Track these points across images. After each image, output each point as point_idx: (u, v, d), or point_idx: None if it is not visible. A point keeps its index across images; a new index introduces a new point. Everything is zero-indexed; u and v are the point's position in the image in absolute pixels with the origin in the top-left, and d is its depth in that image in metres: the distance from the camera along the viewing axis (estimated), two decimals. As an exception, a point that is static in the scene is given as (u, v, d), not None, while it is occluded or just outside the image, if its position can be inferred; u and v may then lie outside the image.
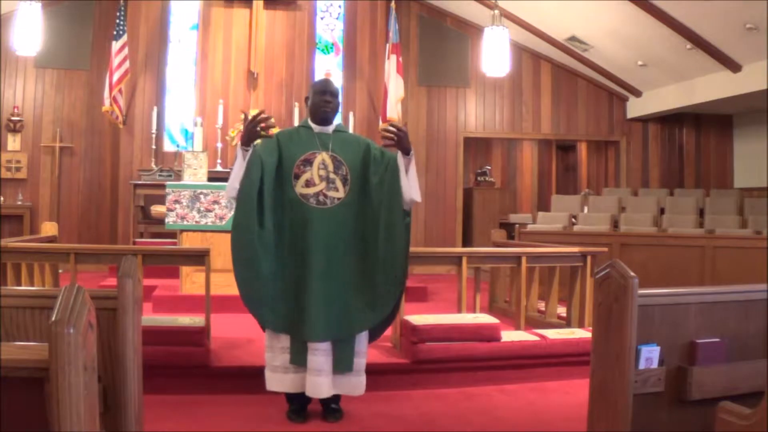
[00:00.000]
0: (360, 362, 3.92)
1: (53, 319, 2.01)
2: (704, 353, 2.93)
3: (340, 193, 3.89)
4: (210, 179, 8.25)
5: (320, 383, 3.78)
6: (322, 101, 3.96)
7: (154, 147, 9.72)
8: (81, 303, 2.08)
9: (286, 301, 3.80)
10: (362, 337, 3.93)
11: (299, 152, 3.91)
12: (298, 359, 3.80)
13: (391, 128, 3.86)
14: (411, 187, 3.86)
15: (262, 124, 3.77)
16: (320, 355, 3.78)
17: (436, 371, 4.74)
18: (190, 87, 10.10)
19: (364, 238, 3.90)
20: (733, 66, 8.87)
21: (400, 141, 3.83)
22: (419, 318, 4.97)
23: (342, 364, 3.82)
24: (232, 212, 6.66)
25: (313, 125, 4.02)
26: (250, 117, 3.83)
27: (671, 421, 2.91)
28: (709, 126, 11.59)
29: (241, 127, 9.41)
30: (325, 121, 4.00)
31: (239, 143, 3.80)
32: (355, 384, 3.91)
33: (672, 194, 10.54)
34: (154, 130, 9.68)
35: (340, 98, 10.22)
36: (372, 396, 4.28)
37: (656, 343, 2.85)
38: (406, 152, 3.85)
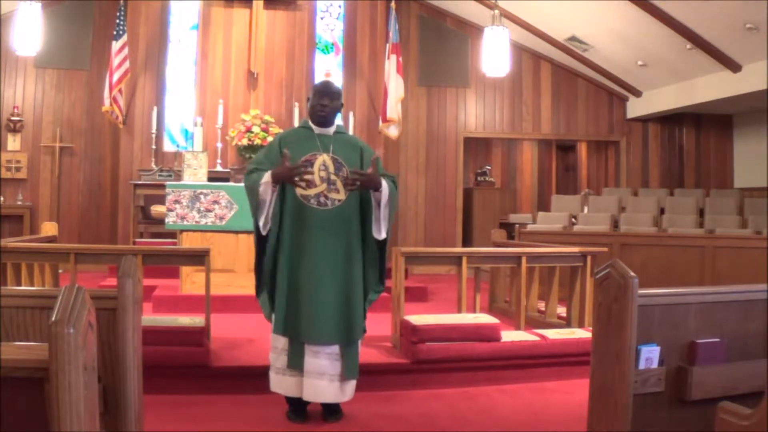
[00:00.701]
0: None
1: (53, 319, 2.01)
2: (704, 353, 2.93)
3: (341, 195, 3.88)
4: (210, 179, 8.26)
5: (322, 387, 3.78)
6: (318, 104, 3.95)
7: (154, 147, 9.72)
8: (81, 303, 2.08)
9: (288, 302, 3.81)
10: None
11: (300, 153, 3.90)
12: (295, 362, 3.79)
13: (351, 177, 3.79)
14: (380, 224, 3.87)
15: (301, 176, 3.75)
16: (323, 358, 3.78)
17: (436, 371, 4.74)
18: (190, 87, 10.09)
19: (360, 245, 3.91)
20: (733, 66, 8.86)
21: (365, 185, 3.79)
22: (419, 318, 4.97)
23: (348, 369, 3.83)
24: (232, 212, 6.72)
25: (313, 126, 4.02)
26: (290, 161, 3.78)
27: (671, 421, 2.92)
28: (709, 126, 11.59)
29: (242, 127, 9.46)
30: (323, 123, 4.00)
31: (270, 179, 3.76)
32: (353, 388, 3.93)
33: (672, 194, 10.54)
34: (154, 130, 9.68)
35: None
36: (372, 396, 4.29)
37: (656, 343, 2.86)
38: (376, 189, 3.83)
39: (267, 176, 3.78)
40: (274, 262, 3.86)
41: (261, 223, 3.82)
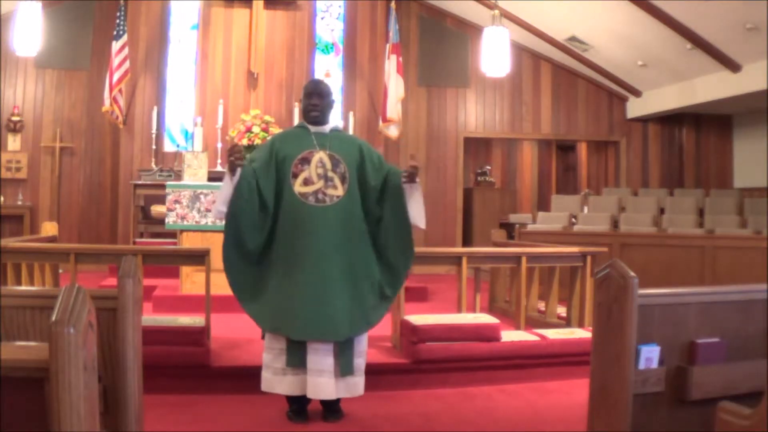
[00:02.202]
0: (359, 362, 3.93)
1: (53, 319, 2.01)
2: (704, 353, 2.93)
3: (339, 191, 3.89)
4: (210, 179, 8.25)
5: (323, 384, 3.77)
6: (309, 105, 3.99)
7: (154, 147, 9.72)
8: (81, 303, 2.08)
9: (286, 300, 3.80)
10: (362, 338, 3.94)
11: (296, 151, 3.92)
12: (295, 360, 3.78)
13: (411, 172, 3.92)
14: (417, 213, 3.93)
15: (237, 155, 3.77)
16: (322, 355, 3.77)
17: (436, 371, 4.74)
18: (190, 87, 10.09)
19: (364, 239, 3.92)
20: (733, 66, 8.86)
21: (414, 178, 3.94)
22: (419, 318, 4.97)
23: (344, 366, 3.83)
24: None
25: (308, 126, 4.03)
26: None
27: (671, 421, 2.91)
28: (709, 126, 11.59)
29: (242, 127, 9.46)
30: (317, 122, 4.01)
31: (227, 169, 3.82)
32: (355, 385, 3.91)
33: (672, 194, 10.53)
34: (154, 130, 9.68)
35: (340, 98, 10.28)
36: (372, 396, 4.28)
37: (656, 343, 2.85)
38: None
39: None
40: (259, 263, 3.86)
41: (223, 208, 3.81)
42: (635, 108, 11.37)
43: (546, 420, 4.10)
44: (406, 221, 3.95)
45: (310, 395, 3.81)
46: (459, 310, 5.53)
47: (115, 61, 9.20)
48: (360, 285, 3.86)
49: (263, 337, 3.97)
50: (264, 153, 3.94)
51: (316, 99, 3.97)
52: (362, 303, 3.86)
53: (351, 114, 10.18)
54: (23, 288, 4.80)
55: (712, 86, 9.42)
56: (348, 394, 3.89)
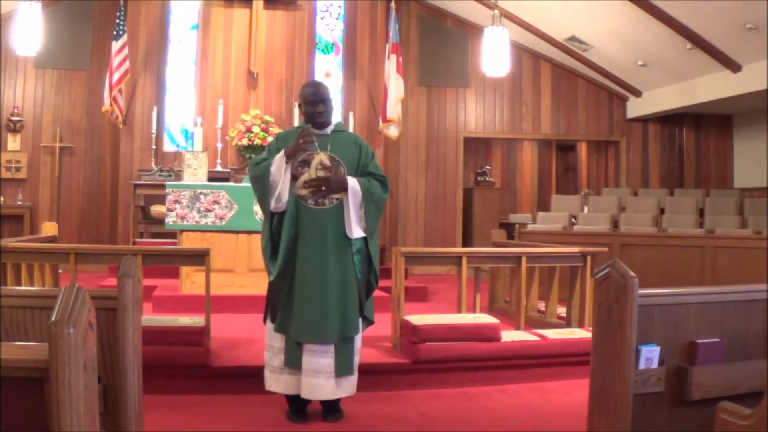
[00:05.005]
0: (355, 361, 3.95)
1: (53, 319, 2.00)
2: (704, 353, 2.93)
3: (338, 194, 3.88)
4: (210, 179, 8.26)
5: (319, 385, 3.78)
6: (315, 113, 3.95)
7: (154, 147, 9.71)
8: (81, 303, 2.08)
9: (287, 301, 3.82)
10: (357, 336, 3.96)
11: (298, 153, 3.91)
12: (292, 361, 3.80)
13: (313, 181, 3.84)
14: (351, 223, 3.85)
15: (306, 141, 3.81)
16: (319, 356, 3.78)
17: (436, 371, 4.74)
18: (190, 87, 10.09)
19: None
20: (733, 66, 8.86)
21: (327, 188, 3.82)
22: (419, 318, 4.97)
23: (342, 367, 3.84)
24: (232, 212, 6.72)
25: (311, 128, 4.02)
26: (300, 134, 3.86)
27: (671, 421, 2.91)
28: (709, 126, 11.58)
29: (242, 127, 9.47)
30: (322, 126, 4.00)
31: (283, 155, 3.82)
32: (351, 384, 3.94)
33: (672, 194, 10.54)
34: (154, 130, 9.67)
35: (340, 98, 10.28)
36: (372, 396, 4.29)
37: (656, 343, 2.85)
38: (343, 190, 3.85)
39: (278, 155, 3.83)
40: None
41: (273, 204, 3.82)
42: (635, 108, 11.36)
43: (546, 420, 4.10)
44: (366, 217, 3.91)
45: (305, 395, 3.82)
46: (459, 310, 5.54)
47: (115, 61, 9.19)
48: (352, 285, 3.87)
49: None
50: (275, 153, 3.94)
51: (321, 106, 3.94)
52: (347, 310, 3.86)
53: (351, 114, 10.17)
54: (23, 288, 4.80)
55: (712, 86, 9.42)
56: (344, 393, 3.91)
